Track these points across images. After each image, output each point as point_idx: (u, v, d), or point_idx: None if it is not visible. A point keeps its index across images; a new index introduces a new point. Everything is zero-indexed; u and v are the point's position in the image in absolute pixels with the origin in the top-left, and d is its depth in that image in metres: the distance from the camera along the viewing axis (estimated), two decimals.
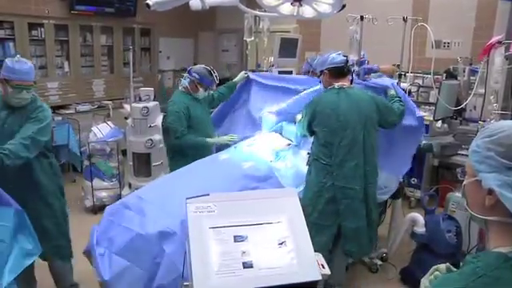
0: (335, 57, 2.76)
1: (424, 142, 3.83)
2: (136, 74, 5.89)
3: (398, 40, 3.44)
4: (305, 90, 3.34)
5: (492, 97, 2.92)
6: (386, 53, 3.70)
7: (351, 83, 2.79)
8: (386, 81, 3.16)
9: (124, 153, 4.73)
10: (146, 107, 4.27)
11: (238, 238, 1.42)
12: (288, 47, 4.66)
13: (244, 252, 1.40)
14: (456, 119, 4.44)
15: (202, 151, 3.19)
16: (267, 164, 2.88)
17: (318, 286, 1.42)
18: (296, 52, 4.94)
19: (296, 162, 2.96)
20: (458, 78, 4.40)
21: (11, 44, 5.30)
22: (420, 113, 3.05)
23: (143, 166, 4.45)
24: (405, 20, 3.42)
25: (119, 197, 4.24)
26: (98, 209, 4.27)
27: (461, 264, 0.97)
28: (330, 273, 1.48)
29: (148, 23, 6.77)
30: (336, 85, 2.71)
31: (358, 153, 2.62)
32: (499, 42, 2.87)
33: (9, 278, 1.81)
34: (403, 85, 3.43)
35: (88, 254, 2.24)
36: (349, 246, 2.73)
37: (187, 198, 1.50)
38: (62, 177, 2.80)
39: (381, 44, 4.31)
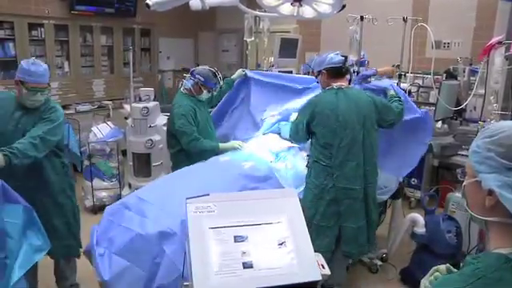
0: (333, 57, 2.75)
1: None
2: (136, 74, 5.90)
3: (398, 40, 3.44)
4: (303, 88, 3.34)
5: (492, 97, 2.92)
6: (386, 53, 3.70)
7: (349, 83, 2.78)
8: (385, 82, 3.16)
9: (124, 153, 4.73)
10: (146, 107, 4.27)
11: (238, 239, 1.42)
12: (288, 47, 4.67)
13: (244, 252, 1.40)
14: (456, 119, 4.44)
15: (208, 155, 3.09)
16: (267, 164, 2.88)
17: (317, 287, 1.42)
18: (296, 52, 4.95)
19: (296, 163, 2.96)
20: (458, 78, 4.40)
21: (11, 44, 5.30)
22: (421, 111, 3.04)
23: (143, 166, 4.45)
24: (405, 20, 3.42)
25: (119, 197, 4.24)
26: (97, 209, 4.27)
27: (461, 265, 0.97)
28: (330, 273, 1.48)
29: (148, 23, 6.77)
30: (334, 85, 2.70)
31: (357, 153, 2.62)
32: (499, 43, 2.87)
33: (19, 274, 1.85)
34: (403, 85, 3.44)
35: (88, 253, 2.24)
36: (349, 247, 2.73)
37: (187, 198, 1.50)
38: (73, 177, 2.81)
39: (381, 44, 4.32)
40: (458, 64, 4.44)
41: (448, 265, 1.10)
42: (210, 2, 2.98)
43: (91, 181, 4.38)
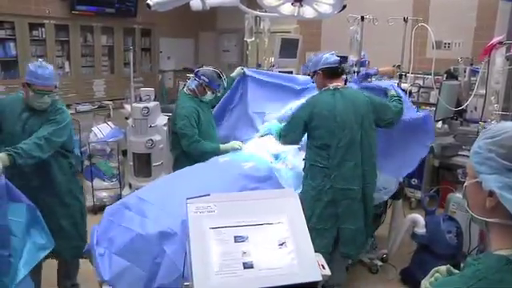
0: (329, 57, 2.72)
1: None
2: (136, 75, 5.89)
3: (399, 40, 3.44)
4: (302, 88, 3.33)
5: (493, 97, 2.92)
6: (387, 53, 3.70)
7: (345, 83, 2.76)
8: (385, 82, 3.15)
9: (124, 153, 4.73)
10: (147, 107, 4.27)
11: (238, 239, 1.42)
12: (288, 48, 4.67)
13: (244, 252, 1.39)
14: (457, 120, 4.43)
15: (209, 157, 3.06)
16: (267, 164, 2.88)
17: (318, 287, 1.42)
18: (296, 52, 4.95)
19: (296, 164, 2.95)
20: (459, 78, 4.39)
21: (12, 44, 5.31)
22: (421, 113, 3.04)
23: (143, 166, 4.45)
24: (405, 20, 3.42)
25: (119, 197, 4.24)
26: (98, 209, 4.27)
27: (461, 265, 0.97)
28: (330, 273, 1.48)
29: (148, 23, 6.77)
30: (331, 86, 2.68)
31: (355, 153, 2.60)
32: (500, 43, 2.88)
33: (24, 272, 1.86)
34: (404, 85, 3.43)
35: (88, 254, 2.24)
36: (347, 248, 2.71)
37: (188, 199, 1.50)
38: (82, 175, 2.82)
39: (381, 44, 4.32)
40: (459, 64, 4.44)
41: (448, 266, 1.10)
42: (211, 2, 2.99)
43: (91, 181, 4.38)
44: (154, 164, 4.42)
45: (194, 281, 1.32)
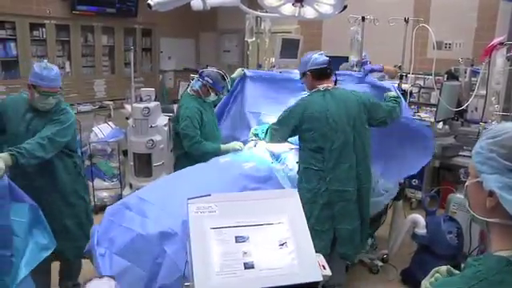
0: (317, 57, 2.67)
1: None
2: (137, 75, 5.90)
3: (400, 41, 3.44)
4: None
5: (493, 98, 2.92)
6: (387, 54, 3.70)
7: (335, 84, 2.72)
8: (386, 83, 3.15)
9: (125, 153, 4.74)
10: (147, 107, 4.27)
11: (239, 239, 1.42)
12: (289, 48, 4.65)
13: (245, 252, 1.40)
14: (457, 120, 4.43)
15: (210, 158, 3.06)
16: (268, 165, 2.88)
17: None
18: (297, 53, 4.93)
19: (296, 164, 2.95)
20: (460, 79, 4.40)
21: (13, 44, 5.32)
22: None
23: (144, 166, 4.45)
24: (406, 21, 3.42)
25: (120, 197, 4.24)
26: (98, 209, 4.27)
27: (462, 266, 0.97)
28: (330, 273, 1.48)
29: (149, 23, 6.78)
30: (321, 87, 2.64)
31: (349, 154, 2.57)
32: (501, 43, 2.87)
33: (25, 272, 1.87)
34: (404, 86, 3.43)
35: (89, 253, 2.24)
36: (344, 248, 2.68)
37: (188, 199, 1.50)
38: (86, 176, 2.81)
39: (382, 45, 4.32)
40: (460, 65, 4.44)
41: (449, 266, 1.10)
42: (212, 3, 2.99)
43: (92, 181, 4.38)
44: (155, 164, 4.42)
45: (195, 281, 1.33)
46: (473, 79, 4.31)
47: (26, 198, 1.97)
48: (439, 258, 2.85)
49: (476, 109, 4.01)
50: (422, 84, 4.87)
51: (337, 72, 3.30)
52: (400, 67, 3.51)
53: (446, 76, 4.37)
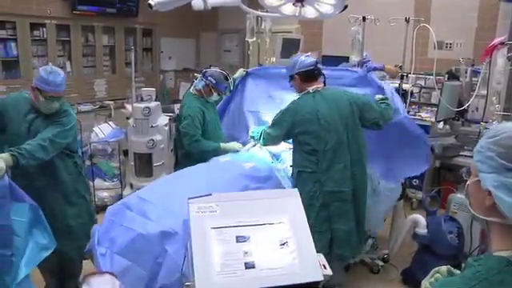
0: (304, 60, 2.65)
1: None
2: (138, 74, 5.90)
3: (400, 41, 3.44)
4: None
5: (494, 98, 2.91)
6: (388, 53, 3.70)
7: (324, 84, 2.69)
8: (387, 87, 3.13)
9: (125, 153, 4.73)
10: (148, 107, 4.27)
11: (240, 239, 1.42)
12: (290, 48, 4.66)
13: (246, 252, 1.40)
14: (458, 120, 4.42)
15: (211, 156, 3.07)
16: (268, 165, 2.88)
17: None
18: (298, 53, 4.94)
19: None
20: (460, 79, 4.39)
21: (13, 44, 5.32)
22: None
23: (145, 166, 4.45)
24: (407, 21, 3.42)
25: (121, 197, 4.24)
26: (99, 209, 4.26)
27: (462, 265, 0.97)
28: (331, 273, 1.48)
29: (150, 23, 6.78)
30: (310, 89, 2.62)
31: (344, 154, 2.56)
32: (502, 43, 2.87)
33: (25, 271, 1.86)
34: (405, 86, 3.43)
35: (89, 253, 2.24)
36: (341, 249, 2.66)
37: (189, 198, 1.50)
38: (87, 176, 2.81)
39: (383, 45, 4.32)
40: (460, 65, 4.43)
41: (449, 266, 1.10)
42: (212, 2, 2.99)
43: (93, 181, 4.38)
44: (155, 164, 4.42)
45: (196, 281, 1.33)
46: (473, 79, 4.30)
47: (26, 197, 1.96)
48: (440, 257, 2.85)
49: (477, 109, 4.01)
50: (422, 84, 4.87)
51: (337, 68, 3.30)
52: (401, 67, 3.51)
53: (446, 76, 4.36)
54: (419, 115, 4.74)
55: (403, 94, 3.45)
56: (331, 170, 2.54)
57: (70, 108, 2.62)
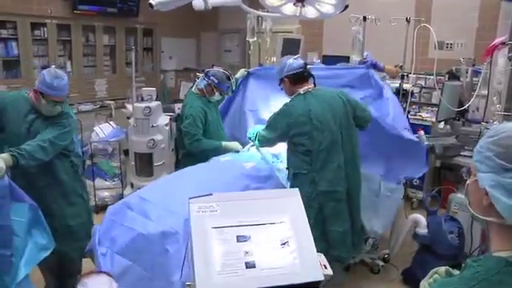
0: (292, 62, 2.64)
1: (426, 143, 3.83)
2: (138, 74, 5.90)
3: (401, 41, 3.44)
4: None
5: (495, 98, 2.91)
6: (389, 53, 3.70)
7: (315, 85, 2.68)
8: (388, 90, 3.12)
9: (126, 152, 4.73)
10: (148, 107, 4.27)
11: (240, 238, 1.42)
12: (290, 48, 4.65)
13: (247, 252, 1.40)
14: (459, 120, 4.43)
15: (212, 155, 3.07)
16: (269, 164, 2.88)
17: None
18: (298, 52, 4.92)
19: None
20: (461, 79, 4.39)
21: (14, 44, 5.33)
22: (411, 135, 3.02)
23: (145, 165, 4.46)
24: (407, 21, 3.42)
25: (121, 196, 4.24)
26: (100, 208, 4.27)
27: (462, 265, 0.97)
28: (332, 273, 1.48)
29: (150, 23, 6.78)
30: (301, 90, 2.61)
31: (338, 154, 2.55)
32: (502, 43, 2.86)
33: (25, 271, 1.86)
34: (406, 86, 3.43)
35: (90, 253, 2.24)
36: (338, 251, 2.64)
37: (190, 198, 1.50)
38: (83, 175, 2.81)
39: (383, 45, 4.31)
40: (461, 65, 4.43)
41: (447, 267, 1.10)
42: (213, 2, 2.99)
43: (93, 180, 4.39)
44: (156, 164, 4.42)
45: (196, 280, 1.33)
46: (474, 79, 4.30)
47: (25, 197, 1.96)
48: (440, 257, 2.85)
49: (477, 109, 4.01)
50: (423, 84, 4.86)
51: (338, 65, 3.29)
52: (401, 67, 3.51)
53: (447, 76, 4.36)
54: (420, 115, 4.74)
55: (404, 93, 3.46)
56: (325, 169, 2.54)
57: (70, 110, 2.63)
